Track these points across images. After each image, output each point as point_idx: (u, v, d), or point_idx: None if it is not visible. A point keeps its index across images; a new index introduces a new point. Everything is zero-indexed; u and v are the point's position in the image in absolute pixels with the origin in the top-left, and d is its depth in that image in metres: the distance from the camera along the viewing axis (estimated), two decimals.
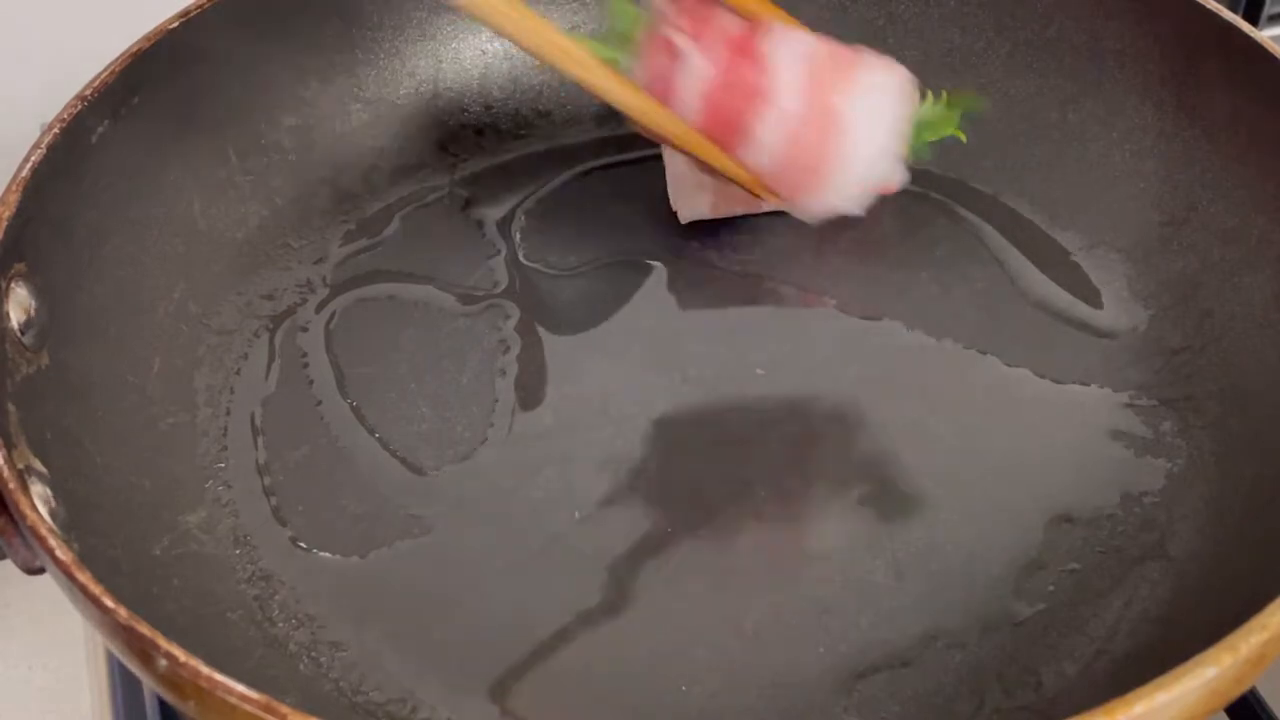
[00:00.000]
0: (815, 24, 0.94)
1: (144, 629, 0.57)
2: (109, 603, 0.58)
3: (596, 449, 0.77)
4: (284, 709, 0.54)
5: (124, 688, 0.78)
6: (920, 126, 0.84)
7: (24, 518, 0.61)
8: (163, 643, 0.56)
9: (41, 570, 0.63)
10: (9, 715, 0.80)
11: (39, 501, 0.63)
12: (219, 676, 0.55)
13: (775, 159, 0.77)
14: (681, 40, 0.77)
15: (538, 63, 0.95)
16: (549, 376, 0.81)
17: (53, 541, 0.60)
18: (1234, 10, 0.86)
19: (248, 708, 0.55)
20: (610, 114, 0.94)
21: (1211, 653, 0.56)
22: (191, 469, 0.76)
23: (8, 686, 0.81)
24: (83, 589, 0.58)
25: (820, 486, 0.76)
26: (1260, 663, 0.57)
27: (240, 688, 0.55)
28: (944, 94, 0.87)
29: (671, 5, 0.79)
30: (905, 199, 0.88)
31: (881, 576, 0.72)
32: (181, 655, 0.56)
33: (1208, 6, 0.83)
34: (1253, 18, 1.10)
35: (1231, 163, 0.83)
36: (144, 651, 0.57)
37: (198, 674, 0.56)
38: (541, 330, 0.83)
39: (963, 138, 0.86)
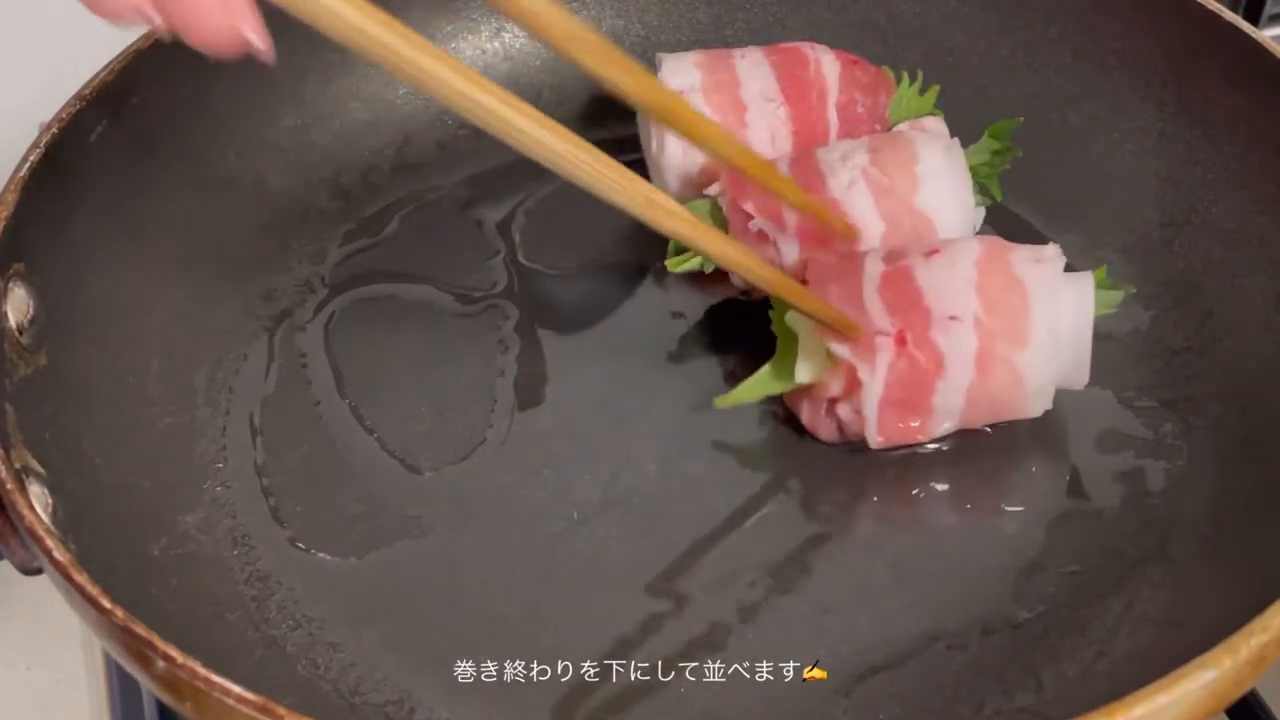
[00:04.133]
0: (816, 24, 0.95)
1: (141, 630, 0.57)
2: (106, 603, 0.58)
3: (595, 450, 0.77)
4: (281, 710, 0.54)
5: (122, 688, 0.78)
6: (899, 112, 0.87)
7: (21, 518, 0.61)
8: (160, 643, 0.57)
9: (39, 571, 0.63)
10: (8, 715, 0.80)
11: (36, 502, 0.63)
12: (216, 677, 0.56)
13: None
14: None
15: (536, 62, 0.96)
16: (548, 377, 0.81)
17: (50, 542, 0.60)
18: (1234, 10, 0.86)
19: (245, 709, 0.55)
20: (609, 114, 0.94)
21: (1212, 655, 0.56)
22: (190, 469, 0.76)
23: (6, 687, 0.81)
24: (80, 589, 0.58)
25: (820, 485, 0.76)
26: (1260, 665, 0.57)
27: (237, 689, 0.55)
28: (919, 75, 0.88)
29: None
30: None
31: (881, 577, 0.72)
32: (179, 656, 0.56)
33: (1209, 7, 0.83)
34: (1253, 18, 1.10)
35: (1232, 164, 0.83)
36: (141, 652, 0.57)
37: (195, 674, 0.56)
38: (541, 331, 0.83)
39: (939, 114, 0.86)
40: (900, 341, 0.72)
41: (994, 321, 0.73)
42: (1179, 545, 0.72)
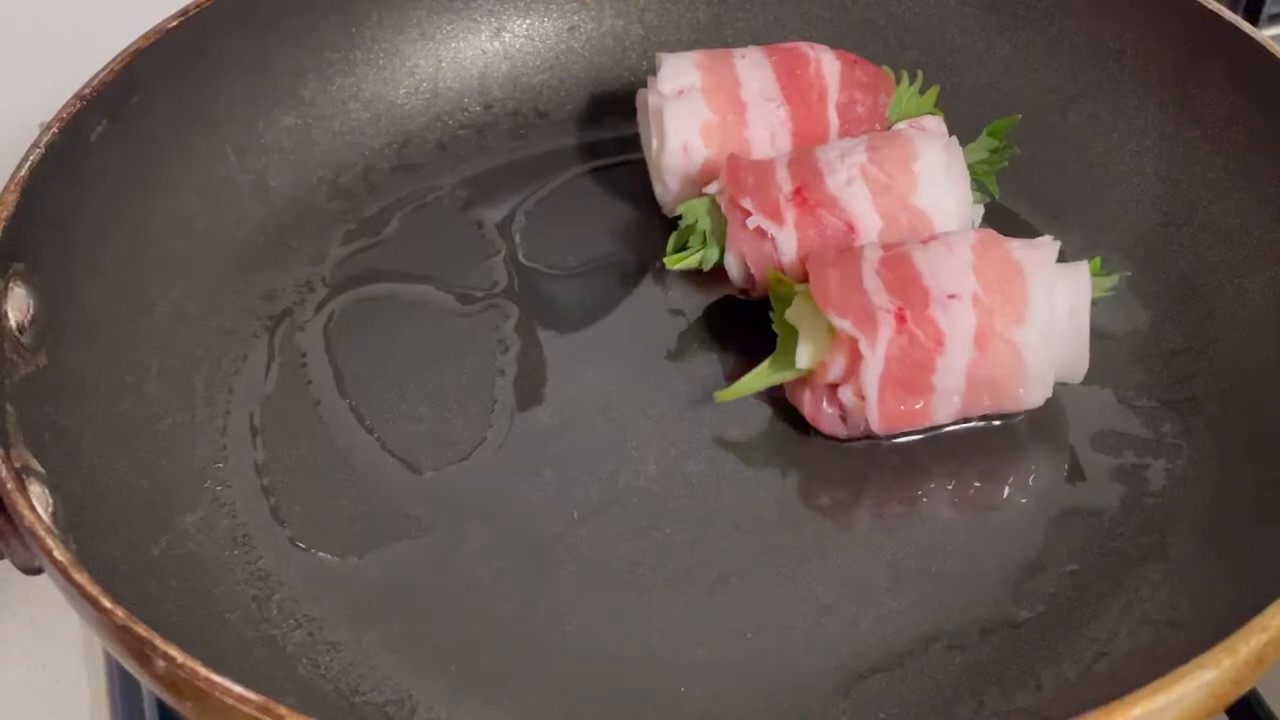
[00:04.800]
0: (816, 24, 0.95)
1: (141, 630, 0.57)
2: (106, 603, 0.58)
3: (594, 449, 0.77)
4: (281, 709, 0.54)
5: (122, 688, 0.78)
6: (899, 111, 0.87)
7: (21, 518, 0.61)
8: (160, 643, 0.56)
9: (39, 570, 0.63)
10: (8, 715, 0.80)
11: (36, 501, 0.63)
12: (216, 677, 0.55)
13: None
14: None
15: (536, 62, 0.96)
16: (548, 377, 0.81)
17: (50, 542, 0.60)
18: (1234, 10, 0.86)
19: (245, 708, 0.55)
20: (609, 114, 0.95)
21: (1211, 655, 0.56)
22: (190, 469, 0.76)
23: (6, 687, 0.81)
24: (80, 589, 0.58)
25: (820, 484, 0.76)
26: (1259, 665, 0.57)
27: (238, 688, 0.55)
28: (919, 75, 0.87)
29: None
30: None
31: (881, 578, 0.72)
32: (179, 656, 0.56)
33: (1209, 7, 0.83)
34: (1253, 17, 1.10)
35: (1233, 163, 0.83)
36: (141, 652, 0.57)
37: (195, 674, 0.56)
38: (540, 330, 0.83)
39: (939, 114, 0.86)
40: (900, 319, 0.73)
41: (992, 300, 0.73)
42: (1179, 545, 0.72)
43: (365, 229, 0.89)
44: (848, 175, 0.79)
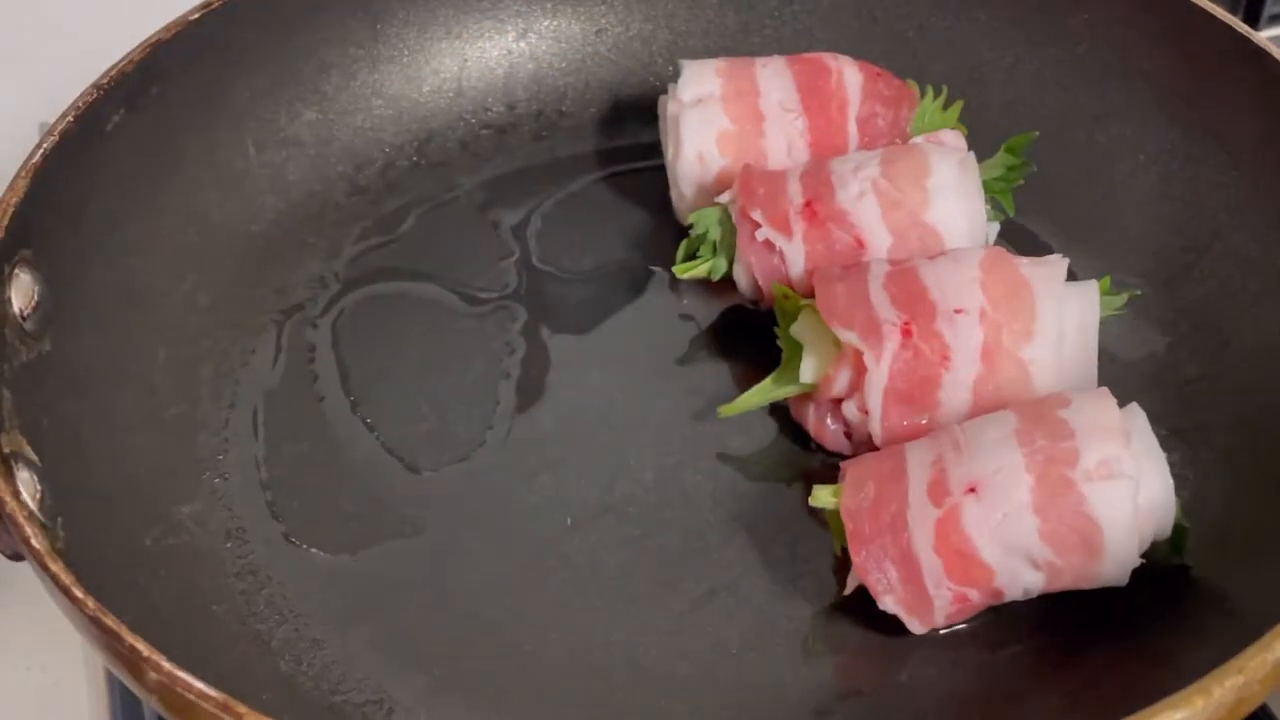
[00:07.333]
0: (845, 34, 0.94)
1: (110, 621, 0.57)
2: (78, 593, 0.58)
3: (593, 455, 0.77)
4: (241, 709, 0.54)
5: (122, 688, 0.78)
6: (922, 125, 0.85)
7: (3, 504, 0.61)
8: (127, 635, 0.57)
9: (23, 557, 0.63)
10: (8, 715, 0.80)
11: (24, 488, 0.64)
12: (180, 672, 0.56)
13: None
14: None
15: (562, 64, 0.95)
16: (551, 381, 0.81)
17: (29, 529, 0.60)
18: (1234, 12, 0.84)
19: (206, 705, 0.55)
20: (631, 119, 0.94)
21: (1183, 695, 0.54)
22: (189, 460, 0.76)
23: (6, 687, 0.81)
24: (53, 577, 0.59)
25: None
26: (1239, 708, 0.56)
27: (199, 684, 0.55)
28: (943, 90, 0.86)
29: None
30: None
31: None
32: (145, 649, 0.56)
33: (1239, 30, 0.82)
34: (1252, 18, 1.08)
35: (1257, 190, 0.81)
36: (110, 644, 0.57)
37: (159, 668, 0.56)
38: (548, 334, 0.83)
39: (964, 131, 0.85)
40: (906, 332, 0.72)
41: (999, 315, 0.72)
42: (1178, 579, 0.71)
43: (381, 226, 0.89)
44: (859, 189, 0.78)
